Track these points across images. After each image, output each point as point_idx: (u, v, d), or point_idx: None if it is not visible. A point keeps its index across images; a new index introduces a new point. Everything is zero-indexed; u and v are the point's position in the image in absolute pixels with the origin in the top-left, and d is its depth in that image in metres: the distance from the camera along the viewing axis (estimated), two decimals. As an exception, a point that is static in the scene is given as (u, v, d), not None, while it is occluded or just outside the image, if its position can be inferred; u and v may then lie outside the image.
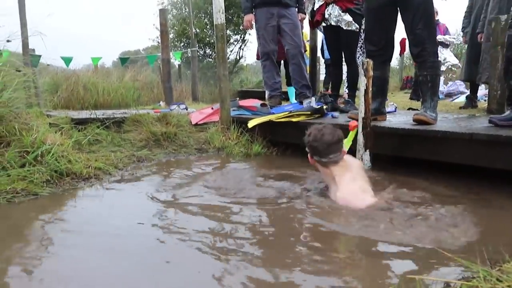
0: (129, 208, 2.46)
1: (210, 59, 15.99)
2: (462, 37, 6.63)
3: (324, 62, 8.75)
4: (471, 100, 6.20)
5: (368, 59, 3.07)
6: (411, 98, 8.48)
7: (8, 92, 3.25)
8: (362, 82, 3.10)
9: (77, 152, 3.39)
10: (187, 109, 5.44)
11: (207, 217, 2.17)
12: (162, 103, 6.73)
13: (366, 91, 3.09)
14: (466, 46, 6.33)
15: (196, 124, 4.63)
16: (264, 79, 5.54)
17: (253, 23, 5.27)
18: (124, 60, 9.57)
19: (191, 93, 10.39)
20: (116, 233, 2.00)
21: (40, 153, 3.02)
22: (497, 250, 1.53)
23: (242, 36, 15.89)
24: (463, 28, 6.27)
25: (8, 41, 3.74)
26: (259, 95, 8.43)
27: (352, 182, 2.38)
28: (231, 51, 16.03)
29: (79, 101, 9.65)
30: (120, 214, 2.39)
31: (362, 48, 5.02)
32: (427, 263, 1.56)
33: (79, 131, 4.05)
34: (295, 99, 7.30)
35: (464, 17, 6.27)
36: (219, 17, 4.32)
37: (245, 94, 11.68)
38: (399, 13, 3.35)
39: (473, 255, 1.43)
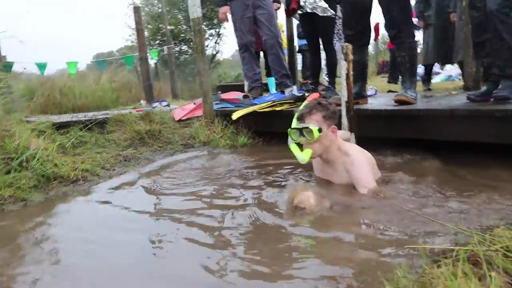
0: (119, 209, 2.42)
1: (187, 56, 15.90)
2: (418, 21, 6.05)
3: (298, 51, 8.77)
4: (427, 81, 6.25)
5: (347, 44, 3.12)
6: (389, 82, 8.62)
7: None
8: (343, 66, 3.15)
9: (62, 156, 3.35)
10: (169, 106, 5.42)
11: (198, 215, 2.16)
12: (143, 102, 6.68)
13: (347, 75, 3.13)
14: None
15: (180, 120, 4.62)
16: (244, 71, 5.55)
17: (229, 15, 5.26)
18: (101, 63, 9.40)
19: (170, 91, 10.31)
20: (108, 237, 1.99)
21: (25, 158, 2.98)
22: (489, 217, 1.59)
23: (218, 30, 15.83)
24: (420, 12, 5.86)
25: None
26: (238, 89, 8.42)
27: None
28: (207, 46, 15.95)
29: (56, 106, 9.45)
30: (111, 216, 2.36)
31: (338, 34, 5.07)
32: (423, 233, 1.62)
33: (61, 134, 3.99)
34: (275, 89, 7.36)
35: (418, 1, 5.90)
36: (195, 11, 4.31)
37: (224, 88, 11.62)
38: None
39: (466, 224, 1.49)
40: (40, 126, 3.93)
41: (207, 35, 15.75)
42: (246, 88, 9.09)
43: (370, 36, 3.60)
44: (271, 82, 7.67)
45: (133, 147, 4.04)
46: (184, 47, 16.02)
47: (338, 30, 5.16)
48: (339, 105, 3.27)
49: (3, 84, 3.98)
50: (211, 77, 15.78)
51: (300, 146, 2.36)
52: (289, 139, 2.42)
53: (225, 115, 4.42)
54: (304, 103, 2.63)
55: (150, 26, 15.32)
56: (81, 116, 4.58)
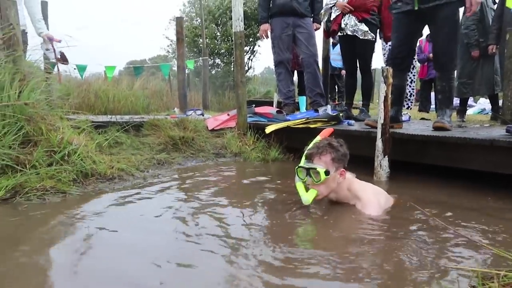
0: (151, 209, 2.46)
1: (219, 69, 16.15)
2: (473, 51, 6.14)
3: (330, 73, 8.82)
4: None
5: (388, 67, 3.15)
6: (419, 110, 8.54)
7: (36, 94, 3.34)
8: (382, 89, 3.18)
9: (99, 154, 3.46)
10: (203, 115, 5.53)
11: (221, 221, 2.17)
12: (176, 110, 6.82)
13: (385, 98, 3.17)
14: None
15: (213, 130, 4.71)
16: (278, 87, 5.63)
17: (269, 32, 5.37)
18: (138, 69, 9.69)
19: (201, 102, 10.48)
20: (139, 232, 2.05)
21: (67, 153, 3.10)
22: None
23: (252, 47, 16.08)
24: (477, 41, 5.78)
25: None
26: (267, 105, 8.52)
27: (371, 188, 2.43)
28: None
29: (89, 107, 9.76)
30: (143, 214, 2.40)
31: (385, 56, 5.12)
32: (458, 255, 1.62)
33: (99, 134, 4.12)
34: (306, 108, 7.40)
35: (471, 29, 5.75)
36: (238, 25, 4.43)
37: (253, 104, 11.77)
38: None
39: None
40: (80, 124, 4.06)
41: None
42: (275, 105, 9.22)
43: (412, 62, 3.65)
44: (302, 101, 7.73)
45: (166, 151, 4.13)
46: (218, 61, 16.30)
47: (385, 52, 5.21)
48: (374, 127, 3.29)
49: (48, 83, 4.14)
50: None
51: (307, 185, 2.31)
52: (296, 176, 2.36)
53: (258, 128, 4.48)
54: (316, 138, 2.58)
55: (188, 38, 15.69)
56: (118, 118, 4.71)
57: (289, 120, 4.38)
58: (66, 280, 1.50)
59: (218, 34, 15.93)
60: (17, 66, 3.38)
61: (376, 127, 3.25)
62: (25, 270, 1.58)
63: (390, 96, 3.18)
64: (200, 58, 11.57)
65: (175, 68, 17.29)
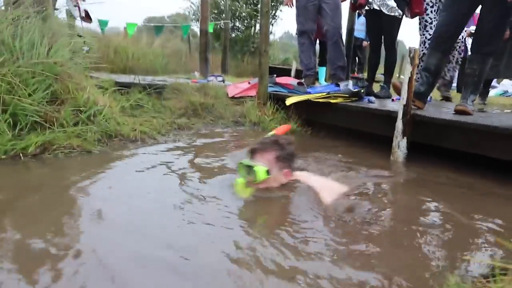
0: (167, 175, 2.50)
1: (239, 33, 15.93)
2: None
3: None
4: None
5: (415, 47, 3.11)
6: (438, 89, 8.40)
7: (65, 53, 3.38)
8: (407, 69, 3.16)
9: (122, 115, 3.54)
10: (224, 82, 5.54)
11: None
12: (196, 73, 6.82)
13: (410, 79, 3.15)
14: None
15: (233, 97, 4.73)
16: (300, 57, 5.58)
17: (294, 1, 5.28)
18: (159, 29, 9.63)
19: (219, 65, 10.44)
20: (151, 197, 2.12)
21: (92, 113, 3.18)
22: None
23: (274, 11, 15.77)
24: None
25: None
26: (286, 73, 8.46)
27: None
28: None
29: (108, 63, 9.80)
30: (157, 178, 2.46)
31: (424, 37, 5.01)
32: (469, 245, 1.67)
33: (121, 94, 4.18)
34: (325, 80, 7.35)
35: None
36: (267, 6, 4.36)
37: (272, 71, 11.67)
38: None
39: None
40: (103, 84, 4.12)
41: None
42: (293, 73, 9.13)
43: (454, 43, 3.58)
44: (322, 71, 7.67)
45: (186, 116, 4.19)
46: (238, 24, 16.05)
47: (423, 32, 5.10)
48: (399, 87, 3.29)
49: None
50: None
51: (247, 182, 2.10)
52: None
53: (278, 98, 4.50)
54: (271, 133, 2.46)
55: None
56: (140, 79, 4.75)
57: (309, 93, 4.38)
58: (82, 221, 1.66)
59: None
60: (47, 23, 3.42)
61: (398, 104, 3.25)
62: (45, 211, 1.76)
63: (414, 77, 3.17)
64: (222, 21, 11.39)
65: (193, 28, 17.07)
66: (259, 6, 15.75)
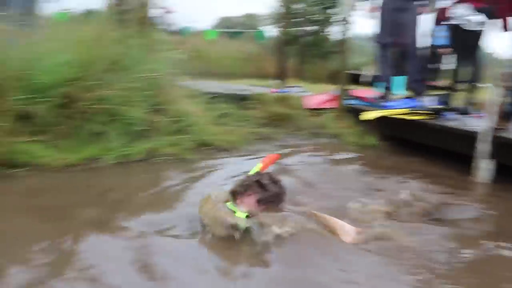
0: None
1: (311, 36, 15.96)
2: None
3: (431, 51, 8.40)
4: None
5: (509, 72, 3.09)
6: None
7: (165, 66, 3.74)
8: (497, 91, 3.13)
9: (211, 125, 3.83)
10: (303, 92, 5.70)
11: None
12: (274, 82, 7.01)
13: (500, 101, 3.13)
14: None
15: (312, 109, 4.89)
16: (380, 70, 5.60)
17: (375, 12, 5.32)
18: (237, 34, 10.03)
19: (294, 70, 10.57)
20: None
21: (187, 123, 3.51)
22: None
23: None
24: None
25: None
26: (354, 78, 8.40)
27: None
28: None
29: (192, 69, 10.34)
30: None
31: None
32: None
33: (208, 103, 4.48)
34: (402, 91, 7.24)
35: None
36: (348, 13, 4.48)
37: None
38: None
39: None
40: (192, 93, 4.45)
41: (337, 20, 15.62)
42: (364, 81, 9.03)
43: None
44: (397, 82, 7.55)
45: (268, 126, 4.41)
46: (309, 28, 16.08)
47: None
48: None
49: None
50: (333, 63, 15.71)
51: None
52: None
53: (356, 111, 4.58)
54: (257, 166, 2.24)
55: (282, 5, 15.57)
56: (225, 89, 5.06)
57: (386, 106, 4.42)
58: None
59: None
60: (149, 40, 3.80)
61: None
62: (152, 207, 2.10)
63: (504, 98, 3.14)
64: (296, 28, 11.54)
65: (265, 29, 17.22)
66: (331, 9, 15.80)
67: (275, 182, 1.98)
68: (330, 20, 16.27)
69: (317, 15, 15.17)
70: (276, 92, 5.27)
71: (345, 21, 4.56)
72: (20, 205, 2.21)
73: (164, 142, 3.24)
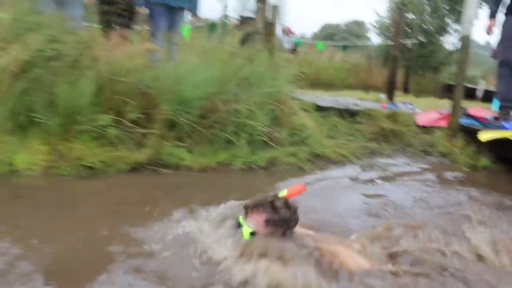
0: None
1: (422, 47, 15.46)
2: None
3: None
4: None
5: None
6: None
7: (283, 81, 4.11)
8: None
9: (326, 138, 4.12)
10: (414, 109, 5.73)
11: None
12: (382, 96, 7.12)
13: None
14: None
15: (422, 126, 4.92)
16: (497, 87, 5.41)
17: (495, 28, 5.16)
18: (345, 46, 10.18)
19: (402, 83, 10.41)
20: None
21: (304, 135, 3.84)
22: None
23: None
24: None
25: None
26: (469, 93, 8.04)
27: None
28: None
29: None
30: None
31: None
32: None
33: (321, 116, 4.77)
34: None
35: None
36: (468, 28, 4.44)
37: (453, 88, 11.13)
38: None
39: None
40: (306, 106, 4.77)
41: (451, 30, 14.98)
42: (479, 95, 8.60)
43: None
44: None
45: (377, 141, 4.57)
46: (421, 39, 15.60)
47: None
48: None
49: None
50: (443, 74, 15.07)
51: None
52: None
53: (470, 131, 4.51)
54: (283, 192, 2.13)
55: (391, 15, 15.34)
56: (336, 102, 5.31)
57: (505, 127, 4.30)
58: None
59: (428, 8, 15.13)
60: (272, 58, 4.21)
61: None
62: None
63: None
64: (408, 40, 11.31)
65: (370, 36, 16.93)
66: (445, 18, 15.11)
67: (289, 207, 1.91)
68: (446, 29, 15.66)
69: (432, 24, 14.69)
70: (386, 107, 5.38)
71: (466, 29, 4.47)
72: (166, 197, 2.69)
73: (283, 152, 3.60)
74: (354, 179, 3.40)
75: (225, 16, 5.60)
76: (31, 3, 3.65)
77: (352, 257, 1.83)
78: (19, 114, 3.03)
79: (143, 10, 4.77)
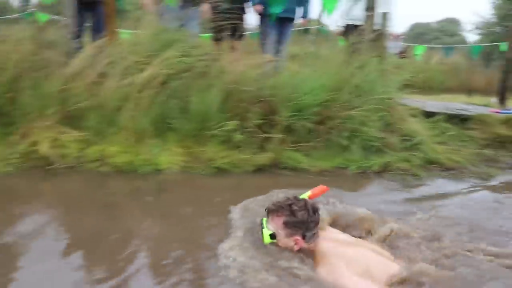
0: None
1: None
2: None
3: None
4: None
5: None
6: None
7: (393, 88, 4.14)
8: None
9: (437, 144, 4.07)
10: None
11: None
12: (494, 100, 6.73)
13: None
14: None
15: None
16: None
17: None
18: (448, 50, 9.72)
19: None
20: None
21: (416, 141, 3.84)
22: None
23: None
24: None
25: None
26: None
27: None
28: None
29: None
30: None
31: None
32: None
33: (428, 122, 4.69)
34: None
35: None
36: None
37: None
38: None
39: None
40: (413, 111, 4.73)
41: None
42: None
43: None
44: None
45: (491, 148, 4.39)
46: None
47: None
48: None
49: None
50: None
51: None
52: None
53: None
54: (306, 193, 2.23)
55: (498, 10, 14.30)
56: (445, 107, 5.18)
57: None
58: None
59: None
60: (382, 65, 4.27)
61: None
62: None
63: None
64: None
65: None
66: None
67: (308, 210, 1.97)
68: None
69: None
70: (499, 113, 5.13)
71: None
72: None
73: (396, 157, 3.64)
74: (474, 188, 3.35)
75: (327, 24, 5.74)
76: (162, 22, 4.13)
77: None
78: (159, 121, 3.46)
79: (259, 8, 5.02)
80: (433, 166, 3.75)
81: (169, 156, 3.29)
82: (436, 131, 4.45)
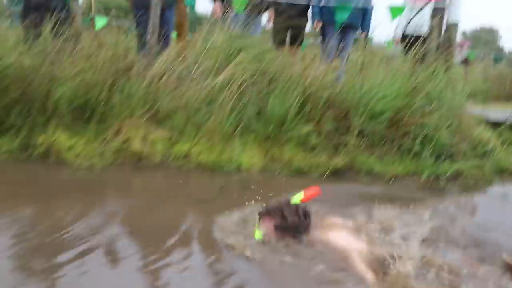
0: None
1: None
2: None
3: None
4: None
5: None
6: None
7: (462, 95, 4.17)
8: None
9: (508, 152, 4.07)
10: None
11: None
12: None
13: None
14: None
15: None
16: None
17: None
18: (497, 58, 9.58)
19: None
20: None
21: (486, 150, 3.87)
22: None
23: None
24: None
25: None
26: None
27: None
28: None
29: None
30: None
31: None
32: None
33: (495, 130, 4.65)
34: None
35: None
36: None
37: None
38: None
39: None
40: (479, 119, 4.67)
41: None
42: None
43: None
44: None
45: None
46: None
47: None
48: None
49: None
50: None
51: None
52: None
53: None
54: (299, 194, 2.25)
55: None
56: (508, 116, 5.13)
57: None
58: None
59: None
60: (450, 72, 4.31)
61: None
62: None
63: None
64: None
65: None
66: None
67: (298, 214, 2.05)
68: None
69: None
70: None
71: None
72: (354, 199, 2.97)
73: (467, 165, 3.68)
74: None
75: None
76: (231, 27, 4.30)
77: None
78: (238, 122, 3.61)
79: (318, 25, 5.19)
80: (505, 173, 3.76)
81: (249, 157, 3.44)
82: (504, 139, 4.43)
